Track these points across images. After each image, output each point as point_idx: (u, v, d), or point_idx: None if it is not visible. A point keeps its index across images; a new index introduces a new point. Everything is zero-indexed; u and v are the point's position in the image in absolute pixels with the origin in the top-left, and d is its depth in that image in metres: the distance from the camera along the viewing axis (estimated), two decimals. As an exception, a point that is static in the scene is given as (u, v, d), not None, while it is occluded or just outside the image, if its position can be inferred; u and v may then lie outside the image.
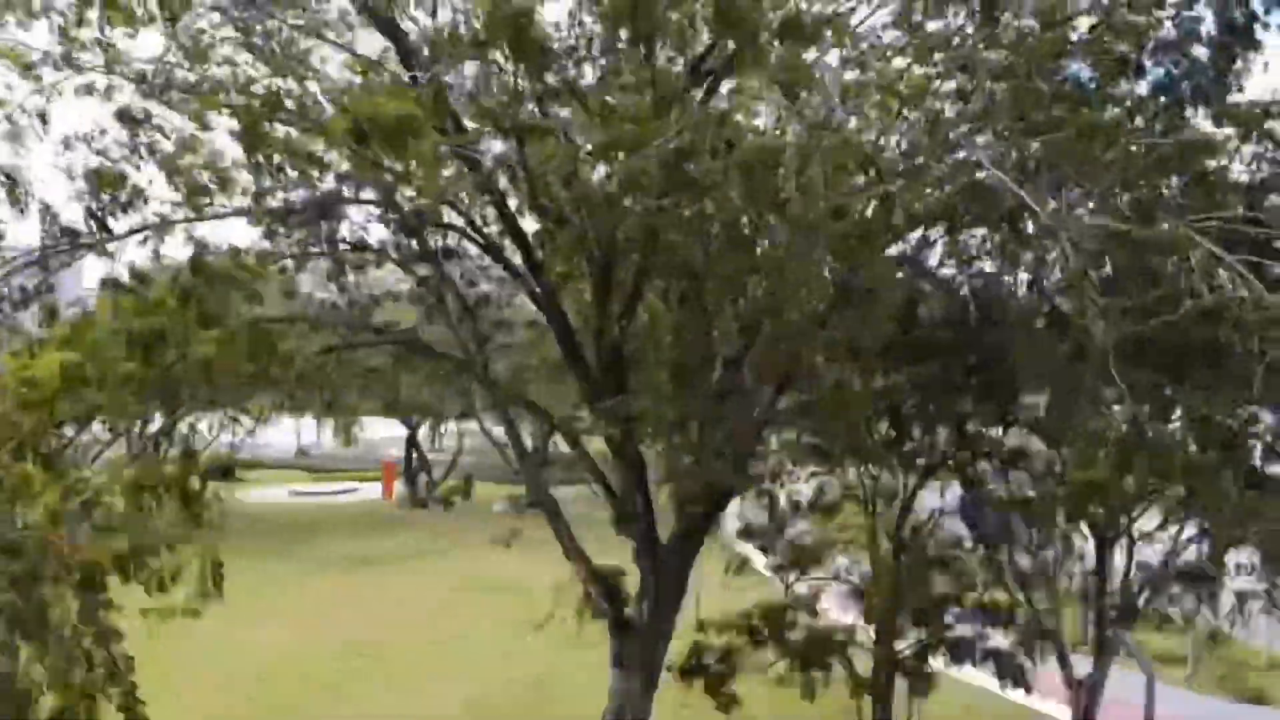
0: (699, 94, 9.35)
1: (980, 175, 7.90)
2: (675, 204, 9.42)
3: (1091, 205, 9.78)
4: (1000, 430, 16.65)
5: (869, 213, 7.01)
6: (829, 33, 6.68)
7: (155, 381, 10.57)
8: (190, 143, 11.64)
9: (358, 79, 11.74)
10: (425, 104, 9.44)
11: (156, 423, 15.37)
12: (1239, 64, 13.77)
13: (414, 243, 15.20)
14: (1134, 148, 9.39)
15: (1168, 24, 14.40)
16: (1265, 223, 9.02)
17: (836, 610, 18.35)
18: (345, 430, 16.31)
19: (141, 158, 10.90)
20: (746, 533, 17.40)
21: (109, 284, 12.27)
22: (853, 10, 10.00)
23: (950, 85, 14.32)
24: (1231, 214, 8.95)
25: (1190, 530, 17.87)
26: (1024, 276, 16.29)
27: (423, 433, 56.11)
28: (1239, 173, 12.52)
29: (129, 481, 9.60)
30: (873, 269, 8.01)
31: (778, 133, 7.63)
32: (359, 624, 31.39)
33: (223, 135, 12.43)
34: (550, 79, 9.22)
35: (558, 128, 9.12)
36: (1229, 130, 12.88)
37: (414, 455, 55.87)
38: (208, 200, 11.85)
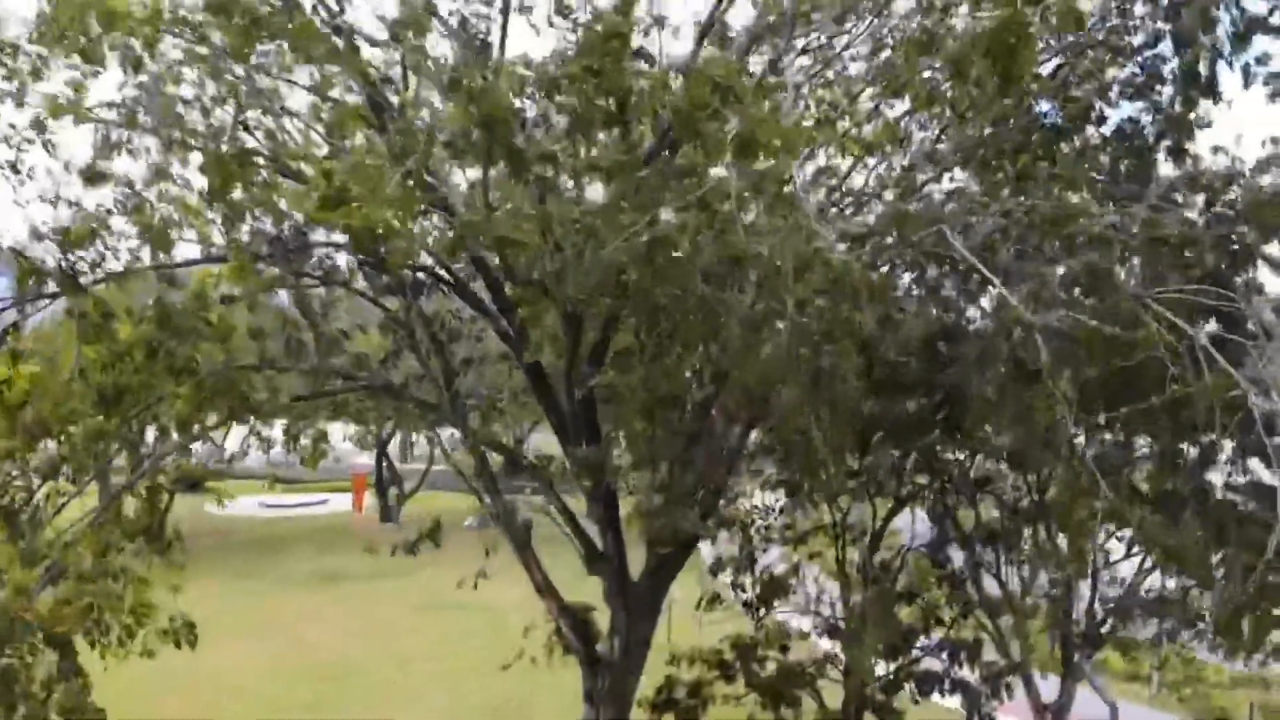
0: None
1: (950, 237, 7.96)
2: (648, 260, 9.45)
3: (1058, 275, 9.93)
4: (969, 458, 16.84)
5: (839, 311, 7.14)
6: (793, 141, 6.71)
7: (123, 435, 10.51)
8: (160, 187, 11.56)
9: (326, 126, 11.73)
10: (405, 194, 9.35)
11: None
12: (1201, 110, 14.02)
13: (384, 276, 15.16)
14: (1098, 228, 9.48)
15: (1131, 66, 14.69)
16: (1229, 293, 9.16)
17: (817, 634, 18.39)
18: (314, 455, 16.12)
19: (109, 211, 10.81)
20: (717, 567, 17.45)
21: (74, 315, 12.16)
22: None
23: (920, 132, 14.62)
24: (1194, 287, 9.08)
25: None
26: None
27: (394, 445, 55.97)
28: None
29: (96, 545, 9.53)
30: (838, 354, 8.13)
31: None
32: (329, 644, 31.27)
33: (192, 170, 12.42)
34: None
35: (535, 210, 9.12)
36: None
37: (385, 467, 55.59)
38: (175, 237, 11.74)
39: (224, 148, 11.07)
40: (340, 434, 51.03)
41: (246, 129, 12.78)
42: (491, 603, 30.02)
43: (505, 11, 10.54)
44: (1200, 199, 12.48)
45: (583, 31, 6.98)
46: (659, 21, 8.90)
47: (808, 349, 6.97)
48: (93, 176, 10.32)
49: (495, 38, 11.02)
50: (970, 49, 6.44)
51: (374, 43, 11.47)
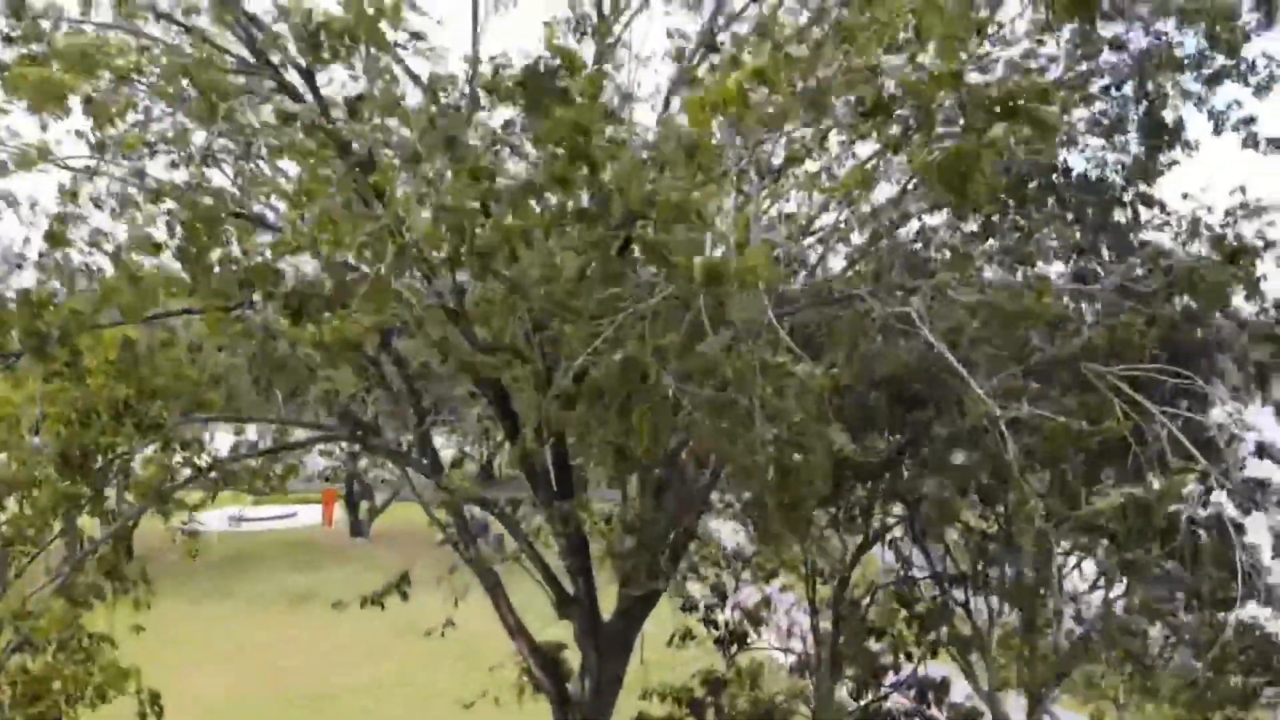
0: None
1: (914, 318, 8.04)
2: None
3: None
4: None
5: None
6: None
7: (88, 498, 10.41)
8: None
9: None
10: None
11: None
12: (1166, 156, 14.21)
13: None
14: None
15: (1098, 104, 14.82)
16: (1188, 375, 9.30)
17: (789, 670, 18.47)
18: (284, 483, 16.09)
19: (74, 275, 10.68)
20: (689, 604, 17.50)
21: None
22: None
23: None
24: (1154, 366, 9.22)
25: (1119, 589, 18.33)
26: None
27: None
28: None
29: (60, 620, 9.45)
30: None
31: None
32: (300, 670, 31.02)
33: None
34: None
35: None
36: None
37: (355, 480, 55.20)
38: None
39: (197, 202, 10.98)
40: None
41: (214, 161, 12.73)
42: (467, 624, 29.88)
43: (472, 80, 10.56)
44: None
45: (548, 128, 6.98)
46: (627, 98, 8.96)
47: (777, 454, 7.03)
48: (56, 237, 10.19)
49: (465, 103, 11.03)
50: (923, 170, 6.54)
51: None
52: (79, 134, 10.63)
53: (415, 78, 10.91)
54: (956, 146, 5.87)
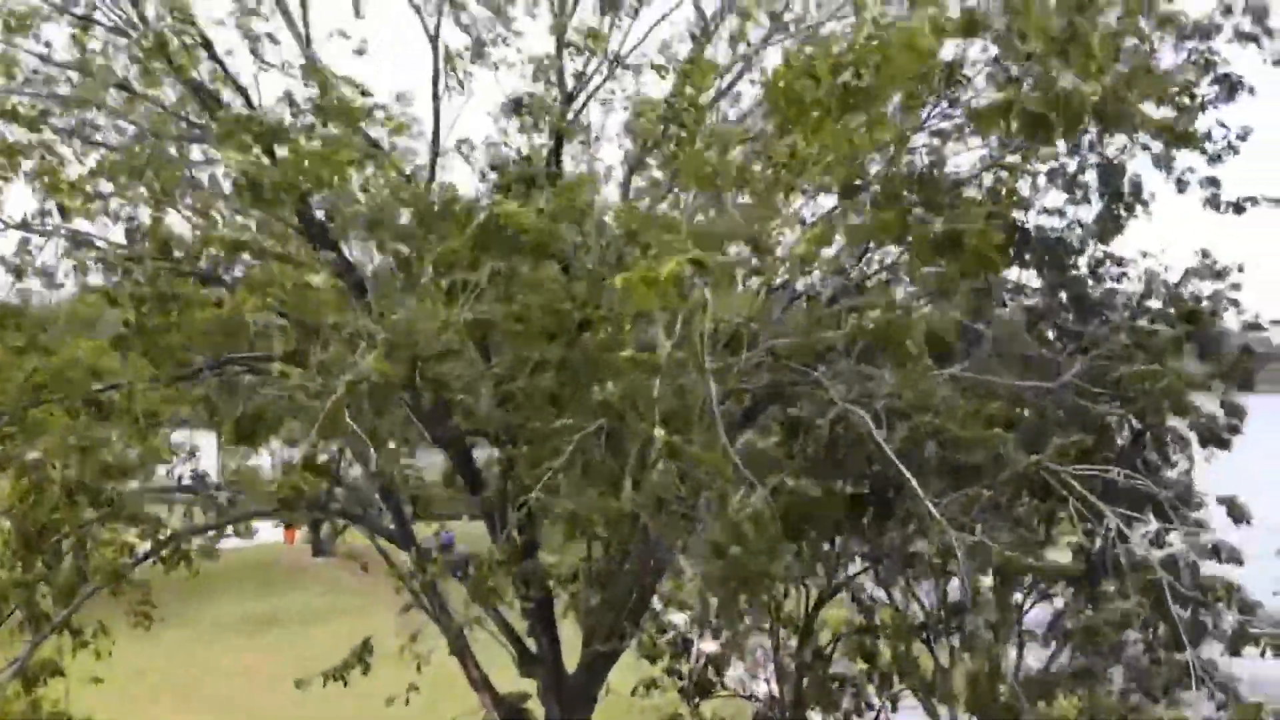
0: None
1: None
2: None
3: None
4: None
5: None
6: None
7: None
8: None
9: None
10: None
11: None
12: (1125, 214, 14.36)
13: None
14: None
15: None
16: (1136, 475, 9.43)
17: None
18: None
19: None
20: (653, 653, 17.47)
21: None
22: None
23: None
24: (1105, 469, 9.36)
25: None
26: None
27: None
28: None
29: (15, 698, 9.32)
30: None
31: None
32: (262, 706, 30.46)
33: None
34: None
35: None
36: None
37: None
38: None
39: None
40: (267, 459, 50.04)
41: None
42: (440, 652, 29.46)
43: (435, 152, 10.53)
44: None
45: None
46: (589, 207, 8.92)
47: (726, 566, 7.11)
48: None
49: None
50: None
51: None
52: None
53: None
54: (888, 320, 5.96)
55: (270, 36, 10.84)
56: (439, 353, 7.87)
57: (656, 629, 17.26)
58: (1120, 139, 13.26)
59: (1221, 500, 13.65)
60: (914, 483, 7.30)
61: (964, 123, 10.23)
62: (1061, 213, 14.89)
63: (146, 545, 11.96)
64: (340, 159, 8.59)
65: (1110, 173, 13.93)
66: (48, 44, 11.12)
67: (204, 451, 20.60)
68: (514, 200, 7.67)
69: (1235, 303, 14.65)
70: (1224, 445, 13.89)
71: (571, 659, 15.49)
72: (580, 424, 7.45)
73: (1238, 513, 13.11)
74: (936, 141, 11.08)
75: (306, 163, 8.48)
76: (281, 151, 9.04)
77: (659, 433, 6.24)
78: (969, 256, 6.48)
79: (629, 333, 6.82)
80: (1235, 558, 12.03)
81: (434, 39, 12.08)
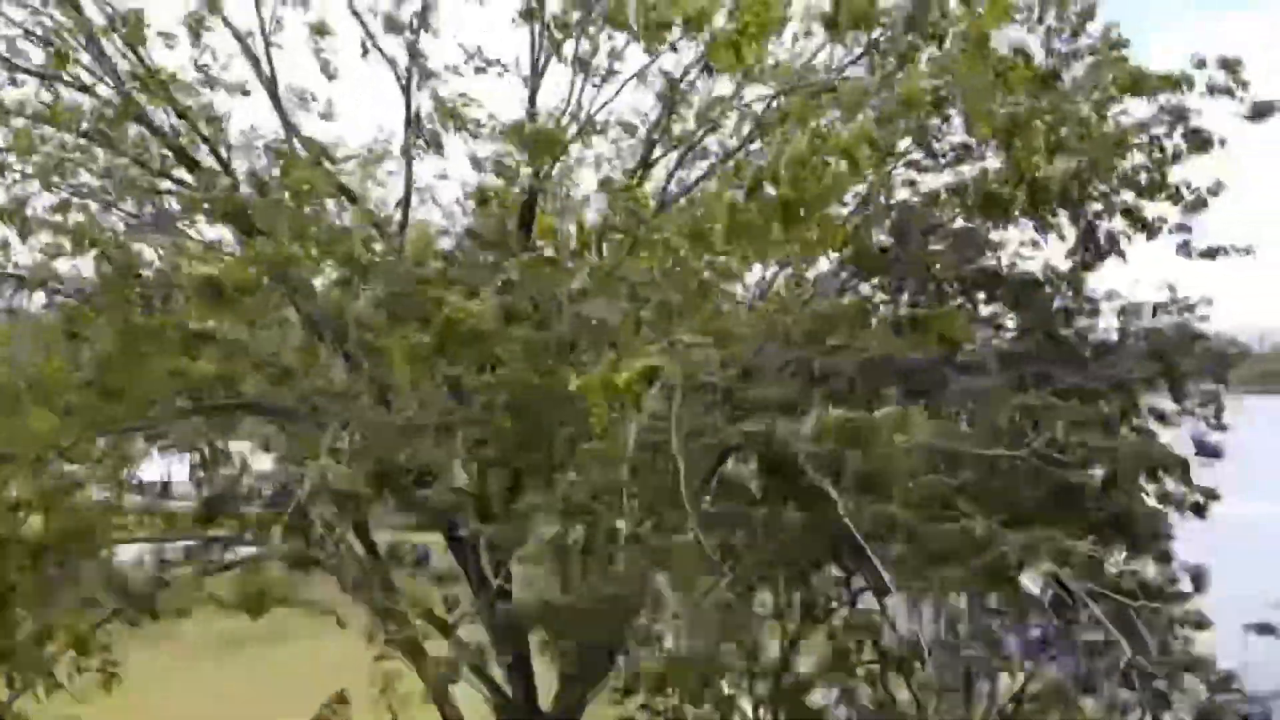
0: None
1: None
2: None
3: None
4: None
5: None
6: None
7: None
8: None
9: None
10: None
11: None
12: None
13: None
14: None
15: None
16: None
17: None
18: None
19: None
20: (626, 691, 17.33)
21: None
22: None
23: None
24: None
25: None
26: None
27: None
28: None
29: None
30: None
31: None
32: (237, 724, 30.12)
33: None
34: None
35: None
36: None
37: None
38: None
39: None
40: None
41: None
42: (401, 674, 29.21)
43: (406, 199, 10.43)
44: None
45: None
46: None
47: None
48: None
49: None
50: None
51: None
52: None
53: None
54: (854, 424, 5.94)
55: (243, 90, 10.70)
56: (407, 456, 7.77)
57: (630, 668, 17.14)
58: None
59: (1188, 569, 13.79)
60: (879, 566, 7.27)
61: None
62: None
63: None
64: (304, 253, 8.52)
65: (1085, 233, 13.95)
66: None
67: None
68: (479, 277, 7.59)
69: (1202, 335, 14.76)
70: (1216, 454, 14.08)
71: (548, 698, 15.44)
72: (551, 504, 7.38)
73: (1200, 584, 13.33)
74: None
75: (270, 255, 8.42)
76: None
77: (620, 524, 6.22)
78: (935, 336, 6.44)
79: (595, 420, 6.76)
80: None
81: (407, 102, 11.99)
